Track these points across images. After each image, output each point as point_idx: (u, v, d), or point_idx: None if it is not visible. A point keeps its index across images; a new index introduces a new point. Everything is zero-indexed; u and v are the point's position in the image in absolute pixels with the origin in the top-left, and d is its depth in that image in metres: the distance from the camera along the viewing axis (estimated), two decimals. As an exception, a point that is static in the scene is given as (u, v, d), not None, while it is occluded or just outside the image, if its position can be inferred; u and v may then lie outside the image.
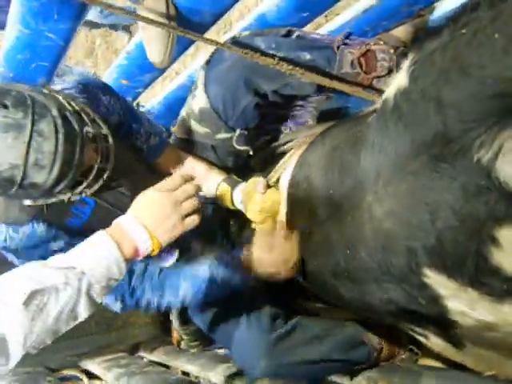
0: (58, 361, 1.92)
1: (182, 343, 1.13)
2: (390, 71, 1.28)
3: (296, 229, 1.18)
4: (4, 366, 0.76)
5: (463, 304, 0.81)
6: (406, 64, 0.86)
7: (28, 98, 0.98)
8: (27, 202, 1.06)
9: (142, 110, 1.89)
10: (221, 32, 2.51)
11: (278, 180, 1.27)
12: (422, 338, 1.03)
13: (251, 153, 1.42)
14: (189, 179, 0.98)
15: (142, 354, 1.89)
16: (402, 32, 1.35)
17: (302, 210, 1.16)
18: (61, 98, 1.08)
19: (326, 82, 1.15)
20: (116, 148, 1.16)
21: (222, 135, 1.37)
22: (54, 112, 0.98)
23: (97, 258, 0.86)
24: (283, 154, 1.35)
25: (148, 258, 1.00)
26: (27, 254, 1.15)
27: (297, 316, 1.30)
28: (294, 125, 1.51)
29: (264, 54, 1.17)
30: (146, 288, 1.21)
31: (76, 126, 1.01)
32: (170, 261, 1.29)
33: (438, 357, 1.13)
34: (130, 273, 1.22)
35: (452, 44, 0.77)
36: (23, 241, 1.14)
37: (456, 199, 0.73)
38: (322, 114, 1.47)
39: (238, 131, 1.36)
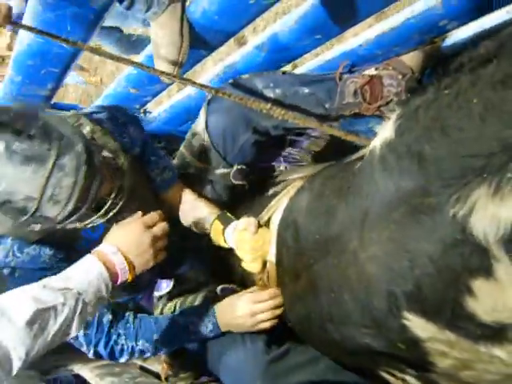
0: (49, 363, 1.94)
1: (170, 377, 1.13)
2: (398, 97, 1.28)
3: (284, 272, 1.21)
4: (3, 377, 0.81)
5: (443, 345, 0.85)
6: (393, 117, 0.92)
7: (55, 131, 0.95)
8: (36, 228, 1.06)
9: (148, 116, 1.96)
10: (232, 45, 2.56)
11: (269, 220, 1.30)
12: (399, 382, 1.06)
13: (247, 187, 1.47)
14: (164, 218, 1.08)
15: (135, 360, 1.90)
16: (411, 58, 1.34)
17: (290, 254, 1.19)
18: (88, 128, 1.11)
19: (316, 125, 1.19)
20: (132, 177, 1.18)
21: (221, 170, 1.43)
22: (79, 148, 0.97)
23: (88, 279, 0.94)
24: (277, 192, 1.39)
25: (131, 299, 1.08)
26: (24, 275, 1.15)
27: (290, 341, 1.30)
28: (292, 157, 1.57)
29: (260, 97, 1.23)
30: (121, 335, 1.23)
31: (98, 163, 1.01)
32: (166, 288, 1.33)
33: None
34: (105, 321, 1.23)
35: (435, 104, 0.83)
36: (25, 262, 1.15)
37: (434, 250, 0.78)
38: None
39: (235, 166, 1.41)
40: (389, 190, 0.86)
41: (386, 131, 0.91)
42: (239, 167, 1.43)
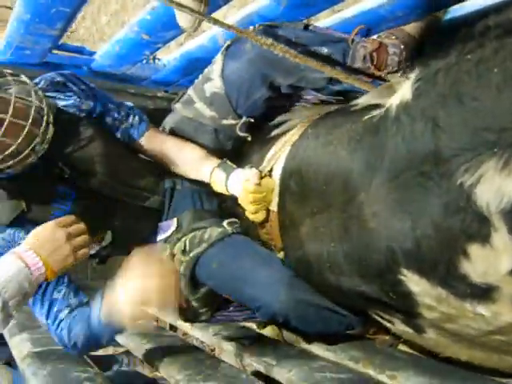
0: None
1: (190, 312, 1.17)
2: (399, 66, 1.32)
3: (287, 218, 1.24)
4: None
5: (432, 299, 0.91)
6: (411, 77, 0.92)
7: None
8: None
9: (158, 63, 1.93)
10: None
11: (271, 170, 1.31)
12: (388, 324, 1.13)
13: (249, 138, 1.47)
14: (78, 222, 1.12)
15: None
16: (413, 28, 1.37)
17: (294, 202, 1.22)
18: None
19: (342, 76, 1.21)
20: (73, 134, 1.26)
21: (228, 121, 1.42)
22: None
23: (9, 276, 0.98)
24: (278, 137, 1.40)
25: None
26: None
27: None
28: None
29: (288, 44, 1.22)
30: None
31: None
32: (170, 229, 1.39)
33: (412, 344, 1.23)
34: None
35: (455, 68, 0.83)
36: (1, 246, 1.23)
37: (437, 214, 0.82)
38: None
39: (243, 119, 1.42)
40: (400, 152, 0.88)
41: (403, 92, 0.92)
42: (247, 119, 1.43)
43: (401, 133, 0.88)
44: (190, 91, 1.48)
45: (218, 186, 1.39)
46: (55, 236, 1.06)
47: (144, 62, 1.92)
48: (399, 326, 1.09)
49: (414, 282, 0.90)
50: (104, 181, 1.35)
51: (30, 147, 1.16)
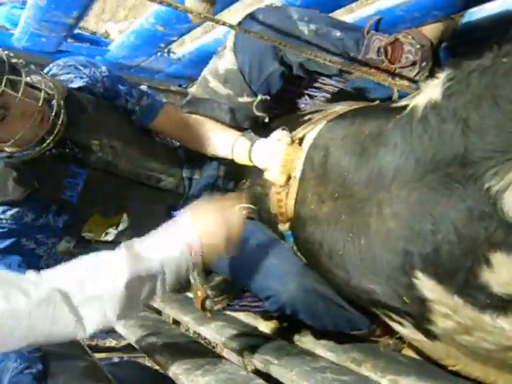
0: None
1: (208, 301, 1.15)
2: (413, 65, 1.30)
3: (308, 191, 1.20)
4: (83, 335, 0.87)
5: (448, 308, 0.88)
6: (441, 77, 0.89)
7: None
8: None
9: (172, 56, 1.91)
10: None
11: (302, 139, 1.27)
12: (397, 325, 1.10)
13: (267, 120, 1.46)
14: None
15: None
16: (430, 30, 1.36)
17: (316, 177, 1.18)
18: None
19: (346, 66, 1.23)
20: (87, 114, 1.27)
21: (244, 99, 1.41)
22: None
23: (176, 261, 0.95)
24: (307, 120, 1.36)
25: None
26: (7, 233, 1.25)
27: None
28: (311, 97, 1.55)
29: (292, 28, 1.27)
30: None
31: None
32: None
33: (419, 351, 1.20)
34: None
35: (491, 70, 0.80)
36: (8, 223, 1.24)
37: (460, 218, 0.79)
38: (336, 94, 1.50)
39: (259, 97, 1.40)
40: (426, 153, 0.85)
41: (431, 91, 0.89)
42: (263, 97, 1.41)
43: (428, 133, 0.85)
44: (205, 72, 1.48)
45: (241, 155, 1.35)
46: (219, 237, 1.01)
47: (159, 54, 1.92)
48: (409, 330, 1.06)
49: (429, 288, 0.88)
50: (114, 162, 1.34)
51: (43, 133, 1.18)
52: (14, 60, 1.14)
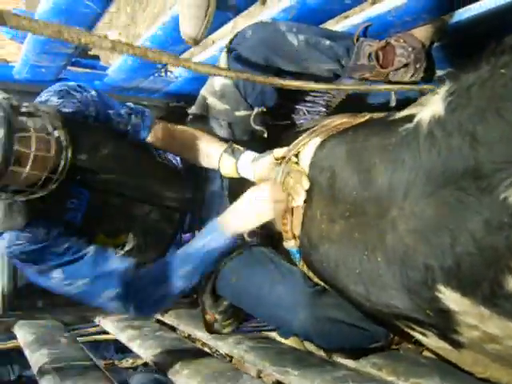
0: (73, 315, 2.04)
1: (216, 325, 1.15)
2: (406, 66, 1.32)
3: (315, 210, 1.20)
4: None
5: (474, 319, 0.88)
6: (440, 92, 0.91)
7: None
8: None
9: (170, 76, 1.94)
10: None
11: (297, 155, 1.28)
12: (419, 336, 1.09)
13: (265, 135, 1.48)
14: None
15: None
16: (421, 32, 1.37)
17: (325, 198, 1.18)
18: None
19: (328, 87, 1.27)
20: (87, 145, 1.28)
21: (241, 112, 1.43)
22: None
23: None
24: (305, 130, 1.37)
25: None
26: (32, 256, 1.24)
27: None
28: (308, 112, 1.58)
29: (282, 40, 1.31)
30: None
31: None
32: None
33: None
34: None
35: (490, 83, 0.82)
36: (26, 246, 1.23)
37: (478, 230, 0.80)
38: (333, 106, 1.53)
39: (256, 109, 1.42)
40: (436, 168, 0.86)
41: (434, 106, 0.90)
42: (259, 110, 1.44)
43: (436, 148, 0.87)
44: (202, 91, 1.51)
45: (228, 169, 1.38)
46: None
47: (156, 75, 1.94)
48: (432, 339, 1.06)
49: (454, 301, 0.88)
50: (114, 181, 1.36)
51: (58, 172, 1.18)
52: (23, 109, 1.15)
